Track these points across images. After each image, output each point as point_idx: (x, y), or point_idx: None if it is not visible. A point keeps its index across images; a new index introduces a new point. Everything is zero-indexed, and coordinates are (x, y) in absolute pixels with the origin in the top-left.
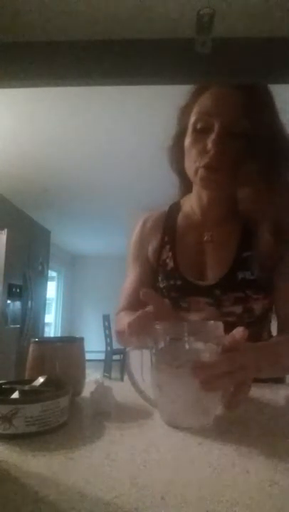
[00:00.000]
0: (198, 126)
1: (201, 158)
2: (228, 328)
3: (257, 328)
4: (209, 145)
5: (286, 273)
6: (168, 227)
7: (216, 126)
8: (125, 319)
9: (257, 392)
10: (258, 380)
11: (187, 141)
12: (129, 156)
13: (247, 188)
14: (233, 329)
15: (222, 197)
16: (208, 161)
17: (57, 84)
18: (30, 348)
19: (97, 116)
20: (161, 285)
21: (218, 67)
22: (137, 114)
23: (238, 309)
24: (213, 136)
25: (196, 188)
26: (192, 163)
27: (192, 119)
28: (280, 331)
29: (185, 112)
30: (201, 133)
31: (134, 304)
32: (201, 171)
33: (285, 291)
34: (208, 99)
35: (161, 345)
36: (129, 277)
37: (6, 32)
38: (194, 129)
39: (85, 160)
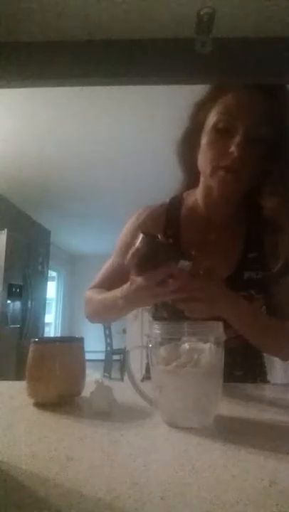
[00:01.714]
0: (220, 126)
1: (222, 159)
2: (229, 326)
3: None
4: (233, 147)
5: None
6: (170, 221)
7: (241, 129)
8: (107, 295)
9: (257, 392)
10: (245, 380)
11: (204, 139)
12: (130, 156)
13: (274, 198)
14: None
15: (233, 196)
16: (231, 164)
17: (57, 84)
18: (31, 348)
19: (97, 116)
20: None
21: (218, 67)
22: (137, 114)
23: None
24: (238, 138)
25: (205, 184)
26: (208, 161)
27: (213, 118)
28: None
29: (202, 108)
30: (221, 133)
31: (108, 286)
32: (221, 172)
33: None
34: (232, 100)
35: (161, 345)
36: (113, 260)
37: (6, 32)
38: (214, 128)
39: (85, 160)
